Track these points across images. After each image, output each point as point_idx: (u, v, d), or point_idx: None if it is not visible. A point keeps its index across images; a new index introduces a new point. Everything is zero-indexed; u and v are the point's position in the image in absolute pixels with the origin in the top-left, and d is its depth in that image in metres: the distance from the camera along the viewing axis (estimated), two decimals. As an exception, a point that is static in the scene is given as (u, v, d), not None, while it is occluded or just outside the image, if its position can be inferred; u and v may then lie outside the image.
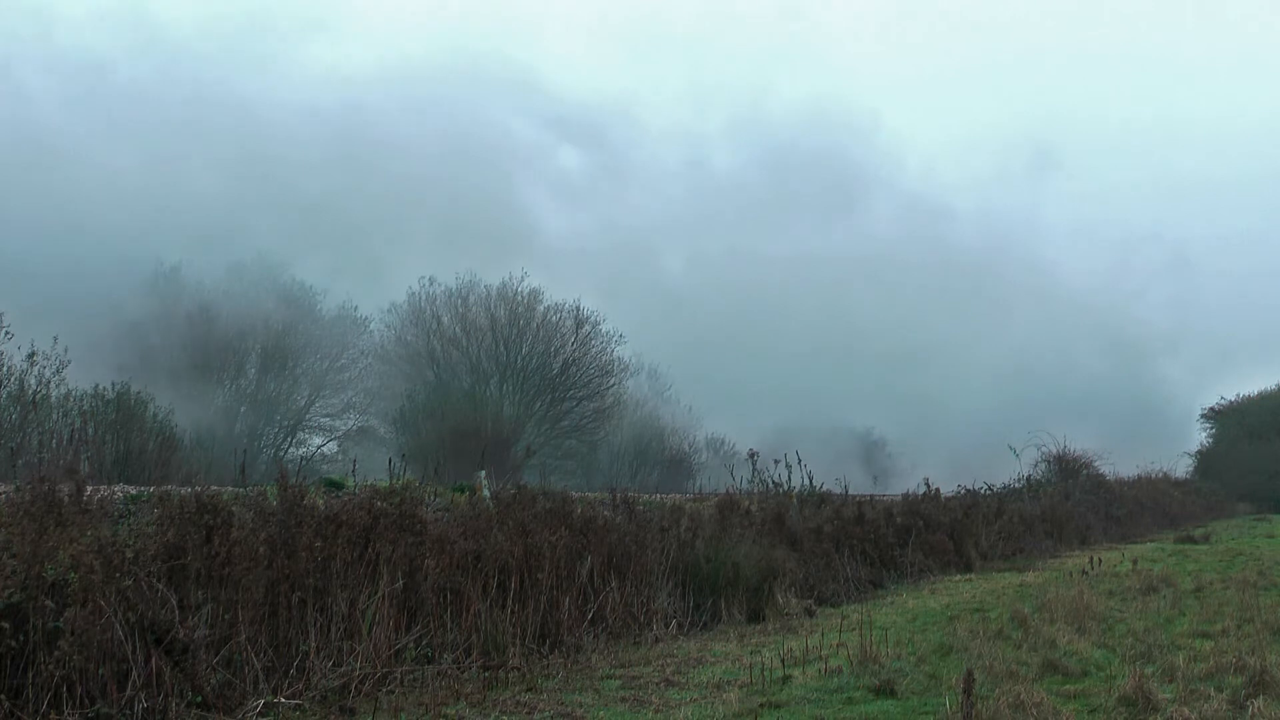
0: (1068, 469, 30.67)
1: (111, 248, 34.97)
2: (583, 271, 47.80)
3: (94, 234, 35.21)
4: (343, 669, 7.37)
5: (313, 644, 7.37)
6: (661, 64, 77.77)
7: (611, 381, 39.78)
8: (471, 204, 46.38)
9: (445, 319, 39.05)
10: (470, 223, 46.11)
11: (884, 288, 55.01)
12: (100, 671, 6.18)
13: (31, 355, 17.91)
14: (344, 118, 47.03)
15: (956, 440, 46.22)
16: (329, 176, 43.20)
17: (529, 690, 7.58)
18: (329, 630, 7.59)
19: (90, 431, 17.79)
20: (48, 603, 6.19)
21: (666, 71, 76.22)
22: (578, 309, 39.34)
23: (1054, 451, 31.17)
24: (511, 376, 38.08)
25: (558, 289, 40.15)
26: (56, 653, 6.04)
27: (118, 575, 6.48)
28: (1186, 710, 6.23)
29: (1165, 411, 55.60)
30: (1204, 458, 53.49)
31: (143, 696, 6.23)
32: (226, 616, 7.02)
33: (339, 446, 37.81)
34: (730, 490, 15.90)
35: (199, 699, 6.48)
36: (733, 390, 46.30)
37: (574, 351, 39.16)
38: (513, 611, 9.00)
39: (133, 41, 48.04)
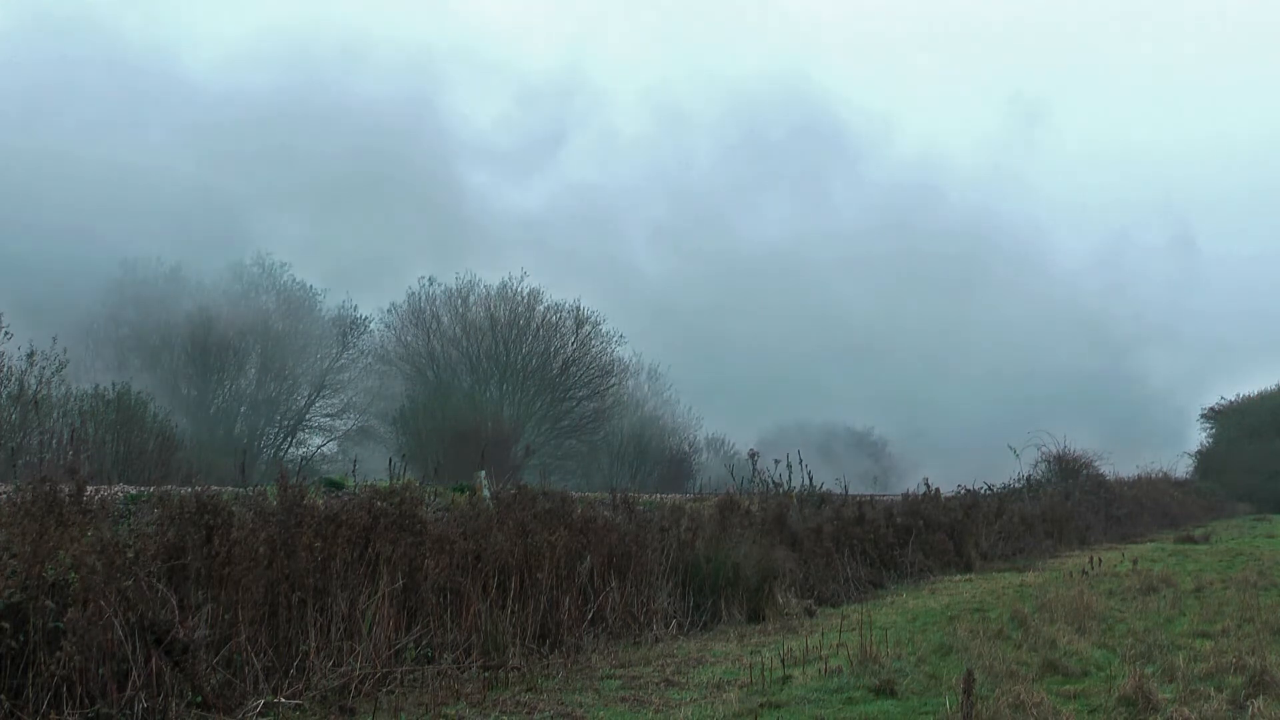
0: (1068, 469, 30.63)
1: (108, 248, 34.92)
2: (573, 267, 47.76)
3: (93, 234, 35.18)
4: (343, 669, 7.36)
5: (313, 644, 7.37)
6: (646, 56, 77.61)
7: (611, 381, 39.80)
8: (433, 197, 46.18)
9: (445, 319, 39.09)
10: (441, 217, 45.96)
11: (883, 285, 55.12)
12: (100, 671, 6.18)
13: (31, 355, 17.94)
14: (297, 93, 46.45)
15: (956, 440, 46.27)
16: (299, 164, 42.98)
17: (529, 690, 7.58)
18: (329, 630, 7.59)
19: (90, 431, 17.82)
20: (48, 603, 6.20)
21: (652, 66, 76.19)
22: (578, 309, 39.38)
23: (1054, 451, 31.12)
24: (511, 377, 38.08)
25: (553, 288, 40.03)
26: (57, 653, 6.04)
27: (118, 575, 6.48)
28: (1186, 710, 6.23)
29: (1165, 411, 55.70)
30: (1204, 458, 53.46)
31: (143, 696, 6.23)
32: (226, 616, 7.02)
33: (339, 446, 37.81)
34: (730, 490, 15.88)
35: (199, 699, 6.48)
36: (730, 391, 46.35)
37: (574, 351, 39.17)
38: (513, 611, 9.00)
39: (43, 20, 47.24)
